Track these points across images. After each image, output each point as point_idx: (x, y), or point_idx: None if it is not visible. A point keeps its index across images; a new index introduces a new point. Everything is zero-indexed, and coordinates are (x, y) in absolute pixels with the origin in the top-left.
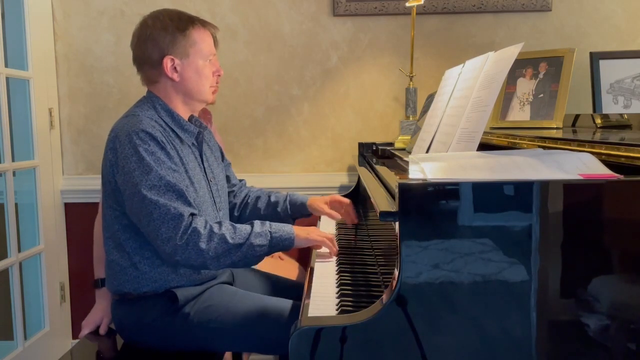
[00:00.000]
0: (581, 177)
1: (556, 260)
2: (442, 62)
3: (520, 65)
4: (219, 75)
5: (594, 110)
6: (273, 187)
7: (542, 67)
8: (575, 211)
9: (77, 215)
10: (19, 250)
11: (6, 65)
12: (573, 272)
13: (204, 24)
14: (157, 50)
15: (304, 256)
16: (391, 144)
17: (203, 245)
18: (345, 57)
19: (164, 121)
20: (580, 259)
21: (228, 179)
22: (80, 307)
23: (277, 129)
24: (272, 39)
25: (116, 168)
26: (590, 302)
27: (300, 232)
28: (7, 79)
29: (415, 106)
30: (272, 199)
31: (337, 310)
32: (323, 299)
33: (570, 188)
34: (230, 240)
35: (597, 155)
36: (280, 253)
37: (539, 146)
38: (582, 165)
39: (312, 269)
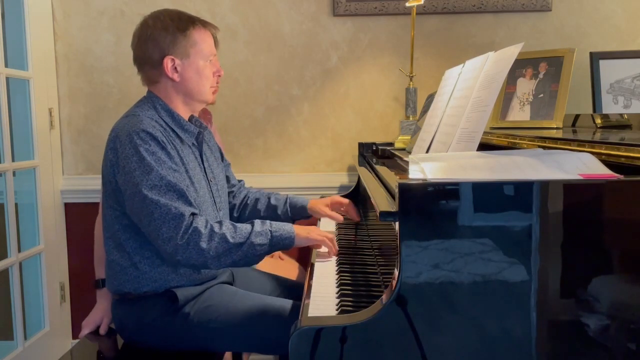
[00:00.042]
0: (581, 177)
1: (556, 260)
2: (442, 62)
3: (520, 65)
4: (219, 76)
5: (594, 110)
6: (273, 187)
7: (542, 67)
8: (575, 211)
9: (77, 215)
10: (19, 250)
11: (6, 65)
12: (573, 272)
13: (204, 24)
14: (158, 50)
15: (304, 256)
16: (391, 144)
17: (204, 244)
18: (345, 57)
19: (164, 121)
20: (580, 259)
21: (227, 179)
22: (80, 307)
23: (277, 129)
24: (272, 39)
25: (117, 168)
26: (590, 302)
27: (300, 232)
28: (7, 79)
29: (415, 106)
30: (272, 201)
31: (337, 310)
32: (323, 299)
33: (570, 188)
34: (231, 240)
35: (597, 155)
36: (280, 253)
37: (539, 146)
38: (582, 165)
39: (312, 269)
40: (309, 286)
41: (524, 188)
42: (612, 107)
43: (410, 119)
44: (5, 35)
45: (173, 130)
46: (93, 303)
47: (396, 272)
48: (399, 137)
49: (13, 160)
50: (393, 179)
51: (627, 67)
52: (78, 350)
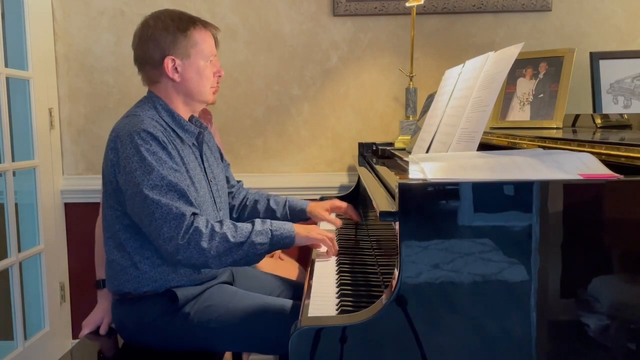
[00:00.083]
0: (581, 177)
1: (556, 260)
2: (442, 62)
3: (520, 65)
4: (219, 76)
5: (594, 110)
6: (273, 187)
7: (542, 67)
8: (575, 211)
9: (77, 215)
10: (19, 250)
11: (6, 65)
12: (573, 272)
13: (205, 24)
14: (159, 50)
15: (304, 256)
16: (391, 144)
17: (205, 244)
18: (345, 57)
19: (164, 121)
20: (580, 259)
21: (227, 180)
22: (80, 307)
23: (277, 129)
24: (272, 39)
25: (117, 168)
26: (590, 302)
27: (300, 230)
28: (7, 79)
29: (415, 106)
30: (271, 203)
31: (337, 310)
32: (323, 299)
33: (570, 188)
34: (232, 239)
35: (597, 155)
36: (280, 253)
37: (539, 146)
38: (582, 165)
39: (312, 269)
40: (309, 286)
41: (524, 188)
42: (612, 107)
43: (410, 119)
44: (5, 35)
45: (173, 130)
46: (93, 303)
47: (396, 272)
48: (399, 137)
49: (13, 160)
50: (393, 179)
51: (627, 67)
52: (78, 350)
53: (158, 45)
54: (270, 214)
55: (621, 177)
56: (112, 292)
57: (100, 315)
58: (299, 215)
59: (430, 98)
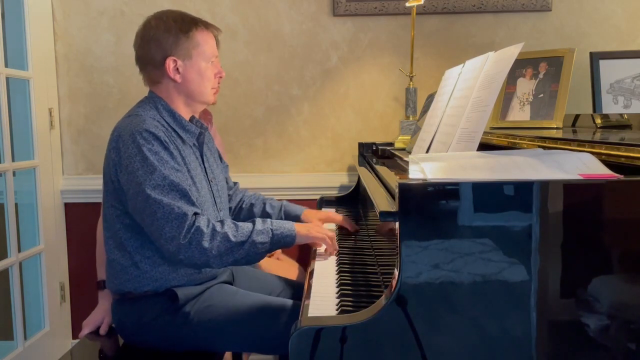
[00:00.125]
0: (581, 177)
1: (556, 260)
2: (442, 62)
3: (520, 65)
4: (220, 77)
5: (594, 110)
6: (273, 187)
7: (542, 67)
8: (575, 211)
9: (77, 215)
10: (19, 250)
11: (6, 65)
12: (573, 272)
13: (207, 25)
14: (160, 51)
15: (304, 256)
16: (391, 144)
17: (206, 244)
18: (345, 57)
19: (165, 121)
20: (580, 259)
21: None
22: (80, 307)
23: (277, 129)
24: (272, 39)
25: (119, 167)
26: (590, 302)
27: (301, 229)
28: (7, 79)
29: (415, 106)
30: (267, 208)
31: (337, 310)
32: (323, 299)
33: (570, 188)
34: (233, 239)
35: (597, 155)
36: (278, 254)
37: (539, 146)
38: (582, 165)
39: (312, 269)
40: (309, 286)
41: (524, 188)
42: (612, 107)
43: (410, 119)
44: (5, 35)
45: (174, 131)
46: (93, 303)
47: (396, 272)
48: (399, 137)
49: (13, 160)
50: (393, 179)
51: (627, 67)
52: (78, 350)
53: (160, 45)
54: (266, 217)
55: (621, 177)
56: (113, 292)
57: (100, 315)
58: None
59: (430, 98)
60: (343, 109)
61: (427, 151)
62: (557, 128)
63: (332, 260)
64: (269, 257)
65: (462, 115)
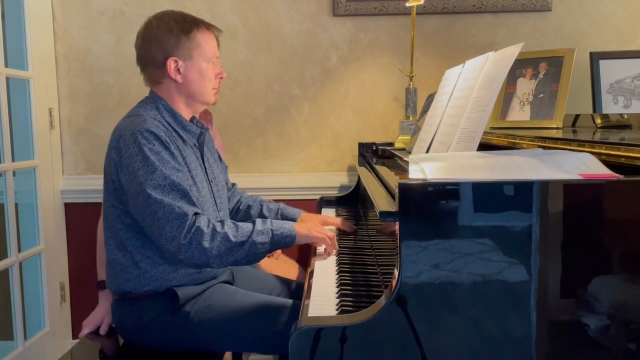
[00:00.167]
0: (581, 177)
1: (556, 260)
2: (442, 62)
3: (520, 65)
4: (221, 78)
5: (594, 110)
6: (273, 187)
7: (542, 67)
8: (575, 211)
9: (77, 215)
10: (19, 250)
11: (6, 65)
12: (573, 272)
13: (208, 26)
14: (161, 51)
15: (304, 256)
16: (391, 144)
17: (206, 244)
18: (345, 57)
19: (166, 121)
20: (580, 259)
21: None
22: (80, 307)
23: (277, 129)
24: (272, 39)
25: (120, 167)
26: (590, 302)
27: (300, 229)
28: (7, 79)
29: (415, 106)
30: (264, 210)
31: (337, 310)
32: (323, 298)
33: (570, 188)
34: (233, 239)
35: (597, 155)
36: (278, 253)
37: (539, 146)
38: (582, 165)
39: (312, 269)
40: (309, 286)
41: (524, 188)
42: (612, 107)
43: (410, 119)
44: (5, 35)
45: (175, 131)
46: (93, 303)
47: (396, 272)
48: (399, 137)
49: (13, 160)
50: (393, 179)
51: (627, 67)
52: (78, 350)
53: (161, 46)
54: None
55: (621, 177)
56: (113, 292)
57: (100, 315)
58: None
59: (430, 98)
60: (343, 109)
61: (427, 151)
62: (557, 128)
63: (332, 260)
64: (269, 257)
65: (462, 115)
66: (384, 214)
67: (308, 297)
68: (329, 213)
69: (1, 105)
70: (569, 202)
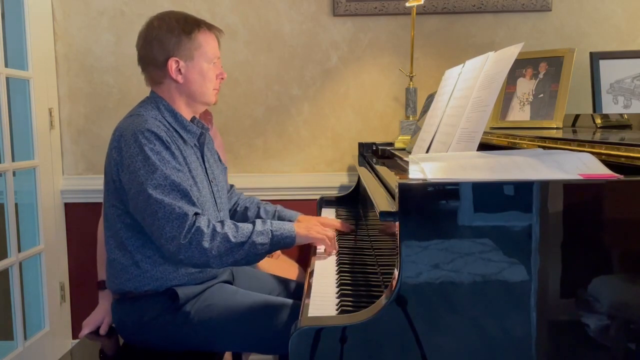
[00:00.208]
0: (581, 177)
1: (556, 260)
2: (442, 62)
3: (520, 65)
4: (222, 79)
5: (594, 110)
6: (273, 187)
7: (542, 67)
8: (575, 211)
9: (77, 215)
10: (19, 250)
11: (6, 65)
12: (573, 272)
13: (209, 27)
14: (163, 51)
15: (304, 256)
16: (391, 144)
17: (206, 244)
18: (345, 57)
19: (167, 121)
20: (580, 259)
21: None
22: (80, 307)
23: (277, 129)
24: (272, 39)
25: (121, 167)
26: (590, 302)
27: (300, 230)
28: (7, 79)
29: (415, 106)
30: (261, 212)
31: (337, 310)
32: (323, 298)
33: (570, 188)
34: (233, 239)
35: (597, 155)
36: (278, 253)
37: (539, 146)
38: (582, 165)
39: (312, 269)
40: (309, 286)
41: (524, 188)
42: (612, 107)
43: (410, 119)
44: (5, 35)
45: (176, 131)
46: (93, 303)
47: (396, 272)
48: (399, 137)
49: (13, 160)
50: (393, 179)
51: (627, 67)
52: (78, 350)
53: (162, 46)
54: None
55: (621, 177)
56: (113, 291)
57: (100, 315)
58: None
59: (430, 98)
60: (343, 109)
61: (427, 151)
62: (557, 128)
63: (332, 260)
64: (269, 257)
65: (462, 115)
66: (384, 214)
67: (308, 296)
68: (329, 213)
69: (1, 105)
70: (569, 202)
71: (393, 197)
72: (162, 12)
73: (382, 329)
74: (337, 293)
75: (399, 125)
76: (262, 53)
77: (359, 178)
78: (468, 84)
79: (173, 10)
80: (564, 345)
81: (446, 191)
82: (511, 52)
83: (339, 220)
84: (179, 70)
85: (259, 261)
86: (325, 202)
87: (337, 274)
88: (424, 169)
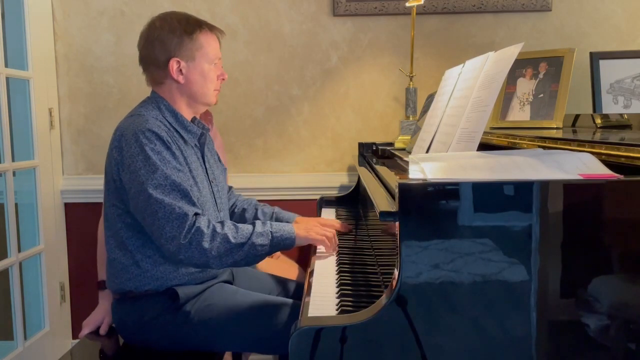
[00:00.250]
0: (581, 177)
1: (556, 260)
2: (442, 62)
3: (520, 65)
4: (223, 79)
5: (594, 110)
6: (273, 187)
7: (542, 67)
8: (575, 211)
9: (77, 215)
10: (19, 250)
11: (6, 65)
12: (573, 272)
13: (211, 28)
14: (164, 52)
15: (304, 256)
16: (391, 144)
17: (206, 244)
18: (345, 57)
19: (168, 122)
20: (580, 259)
21: None
22: (80, 307)
23: (277, 129)
24: (272, 39)
25: (121, 166)
26: (590, 302)
27: (300, 231)
28: (7, 79)
29: (415, 106)
30: (259, 214)
31: (337, 310)
32: (323, 298)
33: (570, 188)
34: (233, 240)
35: (597, 155)
36: (277, 254)
37: (539, 146)
38: (582, 165)
39: (312, 269)
40: (309, 286)
41: (524, 188)
42: (612, 107)
43: (410, 119)
44: (5, 35)
45: (177, 131)
46: (93, 303)
47: (396, 272)
48: (399, 137)
49: (13, 160)
50: (393, 179)
51: (627, 67)
52: (78, 350)
53: (164, 46)
54: None
55: (621, 177)
56: (113, 291)
57: (101, 315)
58: None
59: (430, 98)
60: (343, 109)
61: (427, 151)
62: (557, 128)
63: (332, 260)
64: (269, 257)
65: (462, 115)
66: (384, 214)
67: (308, 296)
68: (329, 213)
69: (1, 105)
70: (569, 202)
71: (393, 197)
72: (164, 12)
73: (382, 329)
74: (337, 293)
75: (399, 125)
76: (262, 53)
77: (359, 178)
78: (468, 84)
79: (175, 11)
80: (564, 345)
81: (446, 191)
82: (511, 52)
83: (338, 220)
84: (180, 70)
85: (258, 262)
86: (325, 202)
87: (337, 274)
88: (424, 169)
